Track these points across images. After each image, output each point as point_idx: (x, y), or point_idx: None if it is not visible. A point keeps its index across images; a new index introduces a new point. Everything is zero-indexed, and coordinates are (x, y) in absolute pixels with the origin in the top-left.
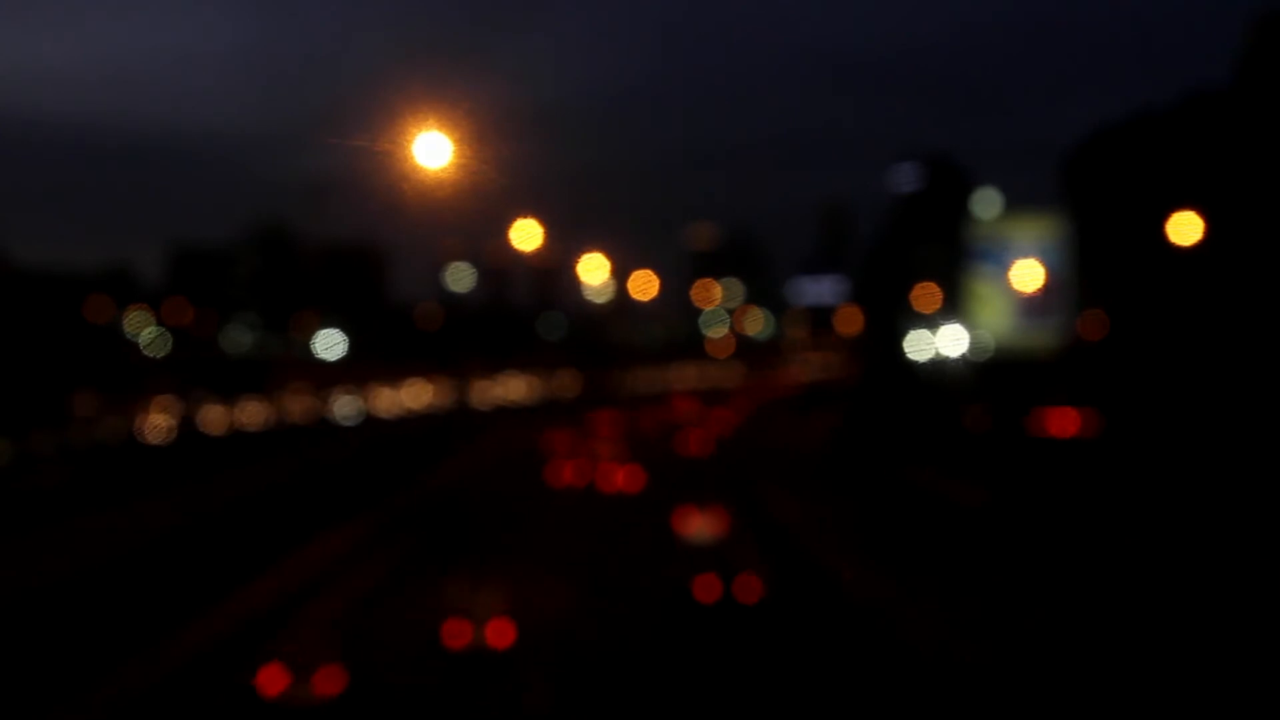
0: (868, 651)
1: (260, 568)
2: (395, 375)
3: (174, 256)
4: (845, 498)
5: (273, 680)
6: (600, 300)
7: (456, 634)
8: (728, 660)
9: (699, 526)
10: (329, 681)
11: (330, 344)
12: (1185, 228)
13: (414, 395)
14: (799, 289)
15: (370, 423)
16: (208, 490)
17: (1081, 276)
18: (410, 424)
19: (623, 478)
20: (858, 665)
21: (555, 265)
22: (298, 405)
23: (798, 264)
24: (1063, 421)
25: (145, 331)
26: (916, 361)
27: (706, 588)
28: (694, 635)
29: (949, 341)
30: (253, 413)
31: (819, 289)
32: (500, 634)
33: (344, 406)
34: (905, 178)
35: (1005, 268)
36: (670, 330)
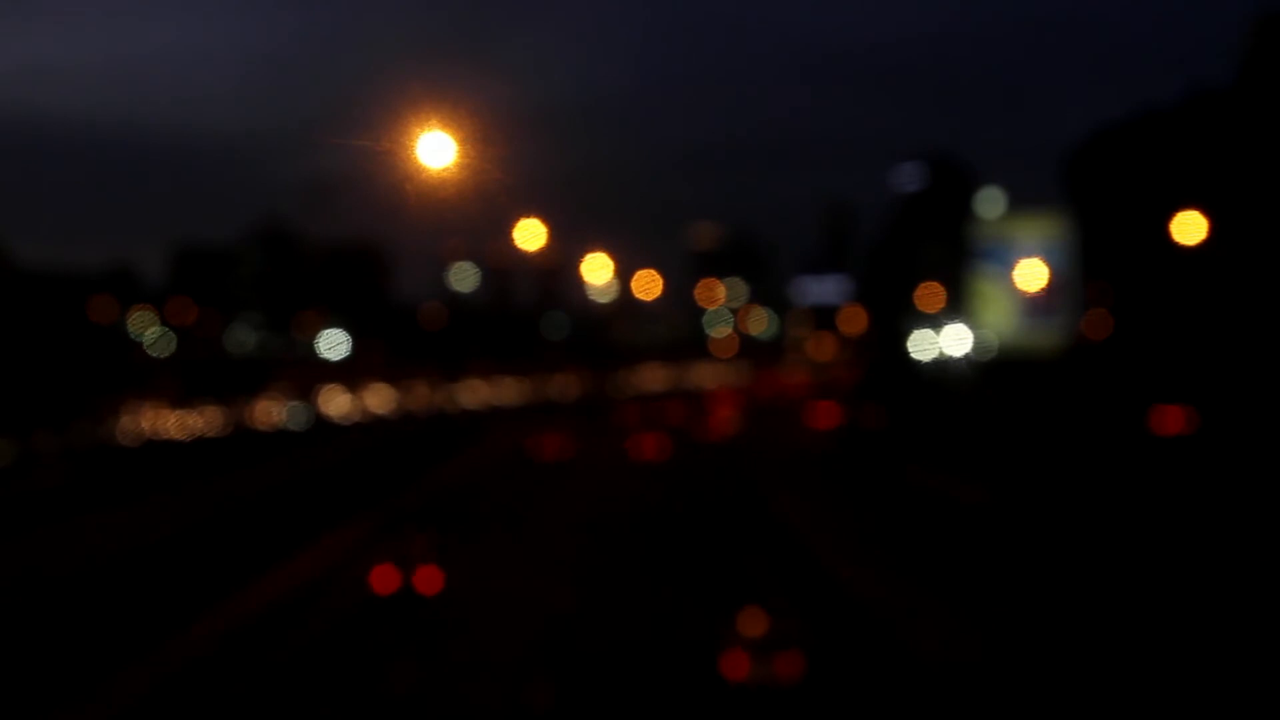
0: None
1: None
2: (396, 375)
3: (177, 256)
4: (848, 496)
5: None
6: (604, 300)
7: None
8: None
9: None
10: None
11: (334, 344)
12: (1189, 226)
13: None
14: (802, 288)
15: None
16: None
17: (1085, 276)
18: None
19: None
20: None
21: (558, 265)
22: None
23: (801, 263)
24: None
25: (149, 331)
26: (920, 361)
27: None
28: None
29: (953, 341)
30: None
31: (822, 288)
32: None
33: (290, 411)
34: (909, 177)
35: (1009, 267)
36: (674, 330)
